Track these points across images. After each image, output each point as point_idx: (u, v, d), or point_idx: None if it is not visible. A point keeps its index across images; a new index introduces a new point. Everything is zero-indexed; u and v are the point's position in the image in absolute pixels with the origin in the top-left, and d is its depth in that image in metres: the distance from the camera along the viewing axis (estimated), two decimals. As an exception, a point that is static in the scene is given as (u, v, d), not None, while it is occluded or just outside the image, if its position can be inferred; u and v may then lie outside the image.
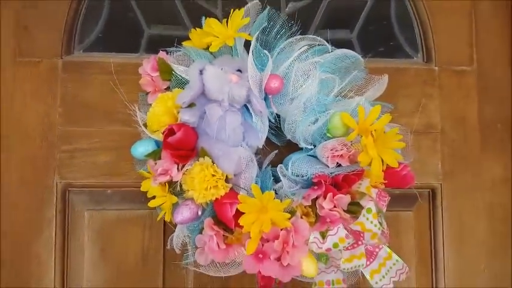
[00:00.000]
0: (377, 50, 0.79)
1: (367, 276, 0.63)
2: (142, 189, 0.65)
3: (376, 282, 0.63)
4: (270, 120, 0.66)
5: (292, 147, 0.70)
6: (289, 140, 0.69)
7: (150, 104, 0.65)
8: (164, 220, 0.70)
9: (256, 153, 0.66)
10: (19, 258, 0.72)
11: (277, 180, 0.65)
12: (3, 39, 0.75)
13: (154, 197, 0.64)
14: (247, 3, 0.76)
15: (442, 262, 0.76)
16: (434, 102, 0.78)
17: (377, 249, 0.65)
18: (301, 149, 0.67)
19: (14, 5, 0.75)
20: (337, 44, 0.69)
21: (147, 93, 0.67)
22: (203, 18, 0.66)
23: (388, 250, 0.65)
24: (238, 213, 0.58)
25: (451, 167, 0.77)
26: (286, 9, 0.79)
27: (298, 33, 0.67)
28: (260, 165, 0.66)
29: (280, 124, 0.68)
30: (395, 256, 0.65)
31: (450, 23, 0.79)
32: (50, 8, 0.76)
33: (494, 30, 0.80)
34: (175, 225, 0.66)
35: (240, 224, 0.57)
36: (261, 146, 0.65)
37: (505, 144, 0.78)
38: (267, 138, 0.67)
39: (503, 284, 0.77)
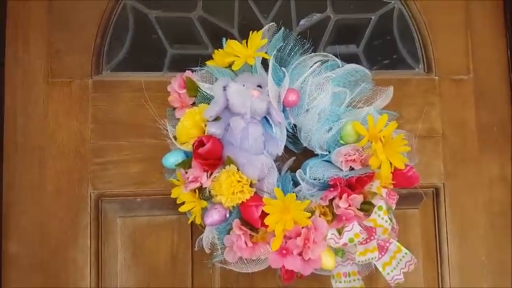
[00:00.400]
0: (382, 62, 0.86)
1: (380, 268, 0.69)
2: (172, 196, 0.71)
3: (388, 273, 0.69)
4: (287, 130, 0.72)
5: (308, 154, 0.76)
6: (305, 147, 0.75)
7: (178, 119, 0.72)
8: (191, 224, 0.77)
9: (275, 160, 0.72)
10: (57, 263, 0.78)
11: (295, 184, 0.71)
12: (37, 62, 0.81)
13: (183, 203, 0.70)
14: (260, 22, 0.84)
15: (447, 255, 0.82)
16: (436, 109, 0.84)
17: (388, 244, 0.71)
18: (317, 155, 0.74)
19: (45, 30, 0.81)
20: (345, 58, 0.76)
21: (174, 109, 0.74)
22: (223, 39, 0.73)
23: (398, 244, 0.71)
24: (263, 214, 0.64)
25: (452, 167, 0.83)
26: (297, 27, 0.85)
27: (310, 49, 0.73)
28: (279, 171, 0.73)
29: (297, 133, 0.75)
30: (404, 249, 0.71)
31: (448, 37, 0.86)
32: (79, 32, 0.82)
33: (488, 42, 0.87)
34: (203, 228, 0.72)
35: (265, 224, 0.63)
36: (280, 154, 0.71)
37: (501, 145, 0.85)
38: (285, 146, 0.73)
39: (502, 273, 0.83)
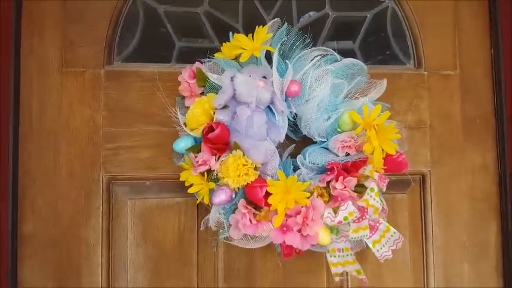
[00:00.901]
0: (376, 58, 0.92)
1: (370, 246, 0.76)
2: (181, 178, 0.77)
3: (378, 250, 0.76)
4: (288, 119, 0.78)
5: (306, 141, 0.82)
6: (304, 135, 0.81)
7: (187, 107, 0.77)
8: (197, 206, 0.83)
9: (277, 147, 0.78)
10: (71, 241, 0.83)
11: (295, 168, 0.77)
12: (52, 52, 0.85)
13: (191, 186, 0.76)
14: (263, 17, 0.90)
15: (431, 236, 0.89)
16: (424, 102, 0.91)
17: (378, 224, 0.77)
18: (315, 142, 0.80)
19: (60, 22, 0.86)
20: (342, 53, 0.82)
21: (183, 98, 0.79)
22: (230, 33, 0.79)
23: (387, 224, 0.78)
24: (266, 195, 0.70)
25: (438, 156, 0.90)
26: (298, 24, 0.91)
27: (311, 44, 0.79)
28: (280, 157, 0.78)
29: (297, 122, 0.81)
30: (392, 229, 0.77)
31: (437, 35, 0.92)
32: (92, 25, 0.86)
33: (474, 40, 0.93)
34: (208, 209, 0.78)
35: (269, 203, 0.69)
36: (282, 141, 0.77)
37: (483, 136, 0.92)
38: (286, 134, 0.79)
39: (483, 254, 0.90)
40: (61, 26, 0.86)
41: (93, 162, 0.85)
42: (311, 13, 0.91)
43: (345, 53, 0.87)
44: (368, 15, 0.92)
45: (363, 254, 0.85)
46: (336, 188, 0.71)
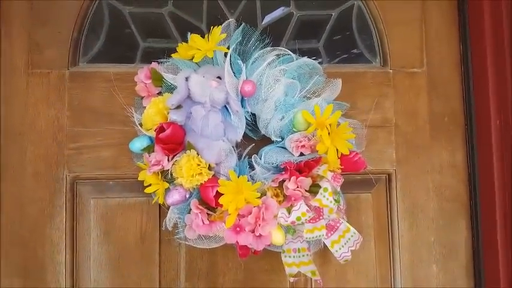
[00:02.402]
0: (341, 57, 0.91)
1: (328, 246, 0.76)
2: (139, 178, 0.77)
3: (336, 251, 0.76)
4: (247, 119, 0.78)
5: (266, 141, 0.82)
6: (264, 135, 0.81)
7: (145, 107, 0.78)
8: (159, 206, 0.84)
9: (237, 147, 0.78)
10: (35, 239, 0.84)
11: (253, 168, 0.77)
12: (18, 54, 0.87)
13: (149, 185, 0.76)
14: (227, 18, 0.89)
15: (397, 236, 0.88)
16: (389, 100, 0.90)
17: (338, 224, 0.77)
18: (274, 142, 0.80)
19: (26, 23, 0.87)
20: (306, 53, 0.82)
21: (142, 98, 0.80)
22: (188, 33, 0.79)
23: (347, 224, 0.77)
24: (219, 195, 0.70)
25: (404, 155, 0.89)
26: (262, 23, 0.91)
27: (271, 44, 0.79)
28: (241, 157, 0.79)
29: (256, 121, 0.81)
30: (352, 229, 0.77)
31: (403, 32, 0.91)
32: (58, 27, 0.87)
33: (441, 37, 0.92)
34: (167, 209, 0.79)
35: (220, 203, 0.69)
36: (239, 140, 0.77)
37: (451, 134, 0.90)
38: (246, 133, 0.79)
39: (451, 254, 0.89)
40: (28, 28, 0.87)
41: (58, 162, 0.86)
42: (283, 8, 0.91)
43: (310, 53, 0.87)
44: (333, 14, 0.91)
45: (326, 255, 0.84)
46: (288, 188, 0.71)
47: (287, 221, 0.71)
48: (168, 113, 0.74)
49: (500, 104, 0.83)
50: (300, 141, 0.73)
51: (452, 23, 0.92)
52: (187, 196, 0.74)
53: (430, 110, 0.90)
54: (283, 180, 0.72)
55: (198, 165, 0.72)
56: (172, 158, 0.73)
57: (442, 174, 0.90)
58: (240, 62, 0.75)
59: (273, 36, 0.80)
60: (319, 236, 0.73)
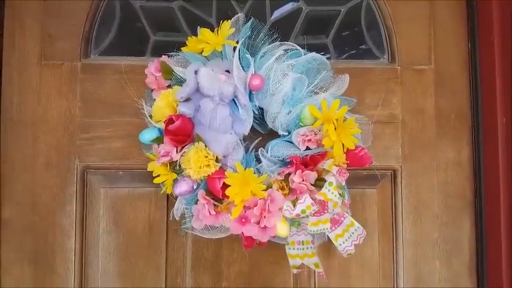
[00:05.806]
0: (349, 52, 0.92)
1: (332, 239, 0.77)
2: (148, 169, 0.79)
3: (340, 244, 0.76)
4: (254, 112, 0.79)
5: (274, 135, 0.83)
6: (271, 129, 0.82)
7: (155, 99, 0.79)
8: (167, 196, 0.85)
9: (244, 140, 0.79)
10: (46, 227, 0.87)
11: (259, 161, 0.78)
12: (31, 45, 0.89)
13: (158, 176, 0.78)
14: (236, 12, 0.91)
15: (401, 232, 0.89)
16: (397, 97, 0.90)
17: (342, 218, 0.78)
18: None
19: (39, 15, 0.89)
20: (315, 48, 0.83)
21: (152, 90, 0.81)
22: (198, 27, 0.80)
23: (351, 219, 0.78)
24: (226, 186, 0.72)
25: (409, 151, 0.89)
26: (271, 18, 0.92)
27: (279, 39, 0.80)
28: (248, 149, 0.80)
29: (263, 115, 0.82)
30: (356, 224, 0.78)
31: (412, 29, 0.91)
32: (70, 18, 0.89)
33: (449, 34, 0.92)
34: (174, 199, 0.80)
35: (227, 194, 0.71)
36: (246, 134, 0.78)
37: (458, 131, 0.91)
38: (253, 127, 0.80)
39: (454, 251, 0.89)
40: (41, 20, 0.89)
41: (69, 152, 0.88)
42: (292, 3, 0.92)
43: (318, 48, 0.88)
44: (342, 10, 0.92)
45: (330, 248, 0.85)
46: (294, 181, 0.72)
47: (292, 214, 0.72)
48: (177, 106, 0.75)
49: (507, 102, 0.83)
50: (307, 136, 0.74)
51: (460, 21, 0.92)
52: (195, 187, 0.75)
53: (437, 107, 0.91)
54: (289, 174, 0.73)
55: (206, 157, 0.73)
56: (181, 150, 0.74)
57: (447, 171, 0.91)
58: (248, 56, 0.76)
59: (282, 31, 0.81)
60: (324, 229, 0.74)
